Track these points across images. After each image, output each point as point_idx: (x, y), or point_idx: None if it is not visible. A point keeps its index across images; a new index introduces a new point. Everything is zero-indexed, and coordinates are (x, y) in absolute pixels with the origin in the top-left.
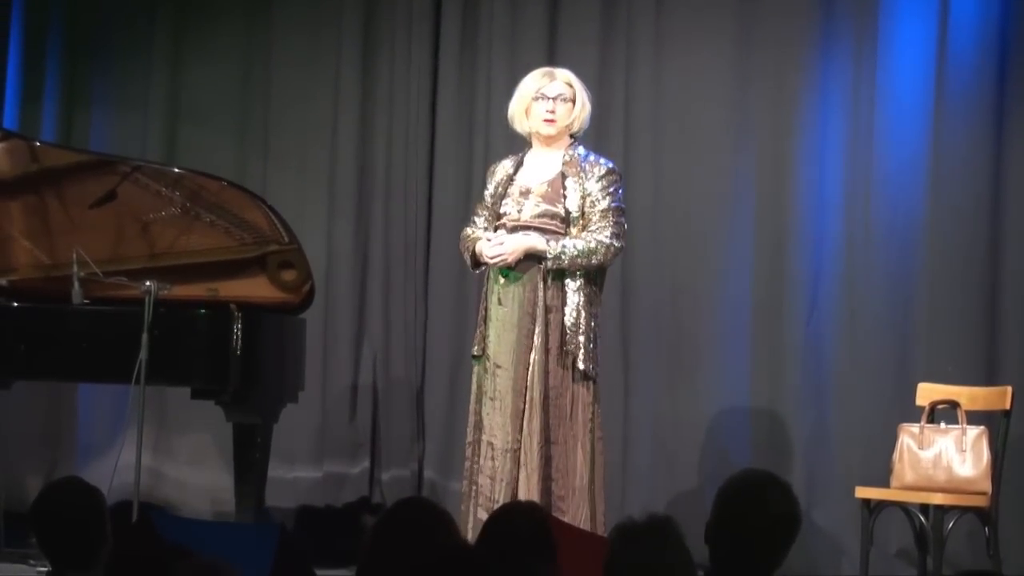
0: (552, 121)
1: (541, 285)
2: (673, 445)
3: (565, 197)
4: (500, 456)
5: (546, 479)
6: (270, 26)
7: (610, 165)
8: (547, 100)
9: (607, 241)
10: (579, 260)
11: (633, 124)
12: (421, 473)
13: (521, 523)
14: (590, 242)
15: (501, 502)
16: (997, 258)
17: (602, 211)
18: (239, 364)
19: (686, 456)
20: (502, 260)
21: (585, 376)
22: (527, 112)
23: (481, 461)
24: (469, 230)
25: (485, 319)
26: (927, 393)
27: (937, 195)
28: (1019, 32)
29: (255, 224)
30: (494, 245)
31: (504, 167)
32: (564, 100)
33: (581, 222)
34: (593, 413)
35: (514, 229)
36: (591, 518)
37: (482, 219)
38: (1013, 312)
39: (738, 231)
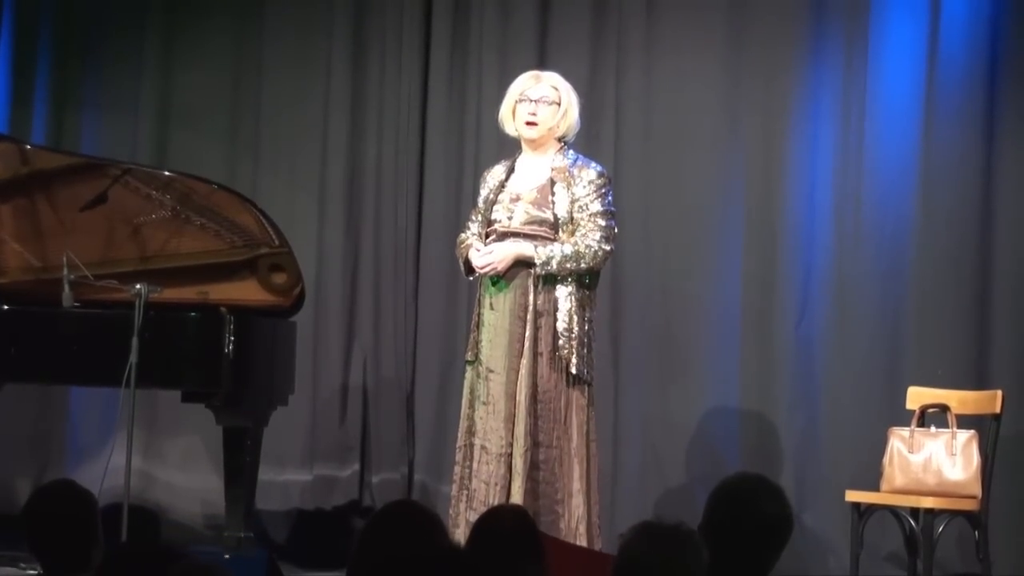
0: (534, 124)
1: (532, 290)
2: (663, 447)
3: (554, 203)
4: (494, 460)
5: (536, 482)
6: (260, 30)
7: (599, 169)
8: (530, 102)
9: (595, 245)
10: (567, 264)
11: (624, 127)
12: (411, 476)
13: (508, 525)
14: (578, 246)
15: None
16: (987, 261)
17: (591, 215)
18: (230, 367)
19: (676, 458)
20: (491, 269)
21: (579, 380)
22: (513, 114)
23: (475, 465)
24: (464, 235)
25: (478, 324)
26: (917, 397)
27: (927, 198)
28: (1010, 34)
29: (245, 227)
30: (483, 255)
31: (496, 173)
32: (547, 103)
33: (570, 227)
34: (588, 416)
35: (504, 235)
36: (586, 520)
37: (476, 225)
38: (1003, 316)
39: (728, 234)
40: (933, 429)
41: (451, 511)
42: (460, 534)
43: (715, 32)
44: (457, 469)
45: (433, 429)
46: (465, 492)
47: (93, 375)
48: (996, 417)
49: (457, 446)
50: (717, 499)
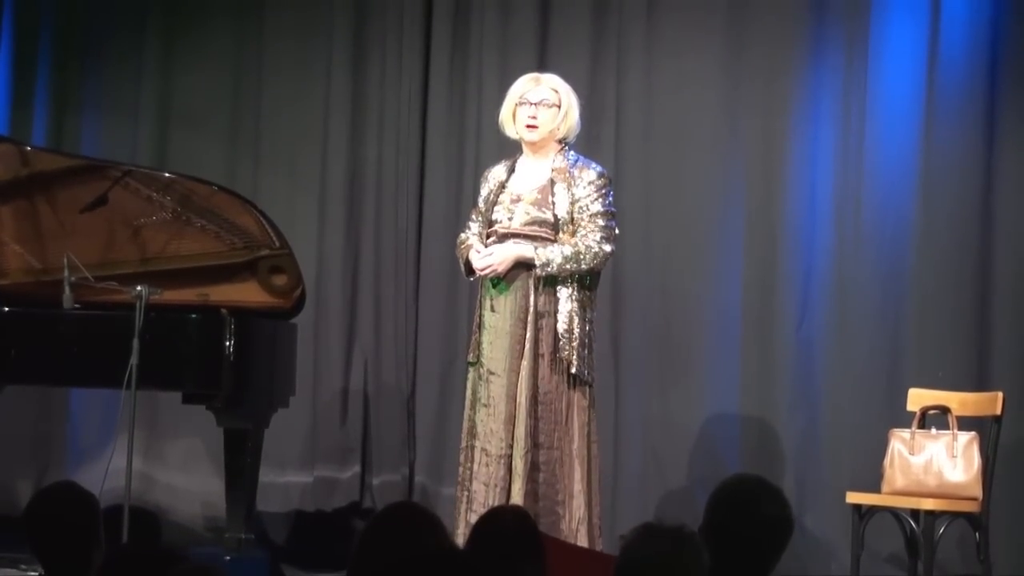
0: (534, 127)
1: (532, 292)
2: (664, 449)
3: (554, 204)
4: (494, 462)
5: (536, 483)
6: (261, 31)
7: (600, 170)
8: (530, 106)
9: (595, 246)
10: (568, 266)
11: (624, 129)
12: (412, 478)
13: (508, 525)
14: (578, 247)
15: None
16: (988, 263)
17: (591, 215)
18: (230, 369)
19: (677, 460)
20: (492, 271)
21: (580, 381)
22: (514, 117)
23: (475, 467)
24: (464, 236)
25: (479, 326)
26: (918, 398)
27: (928, 200)
28: (1011, 36)
29: (246, 229)
30: (483, 257)
31: (497, 173)
32: (548, 105)
33: (571, 227)
34: (589, 418)
35: (505, 236)
36: (587, 522)
37: (476, 224)
38: (1004, 317)
39: (729, 236)
40: (934, 431)
41: (454, 512)
42: (461, 536)
43: (715, 33)
44: (460, 471)
45: (434, 431)
46: (467, 494)
47: (94, 377)
48: (997, 419)
49: (460, 448)
50: (717, 501)
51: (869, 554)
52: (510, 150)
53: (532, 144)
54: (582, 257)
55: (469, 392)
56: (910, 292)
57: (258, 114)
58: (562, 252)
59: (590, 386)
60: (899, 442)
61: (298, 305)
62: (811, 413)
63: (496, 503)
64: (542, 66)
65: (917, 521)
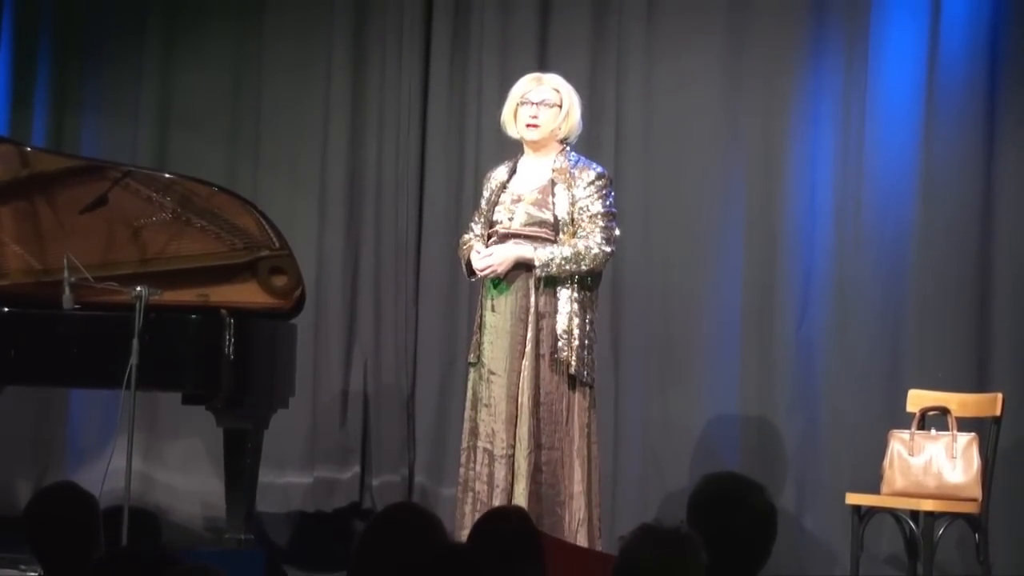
0: (535, 127)
1: (533, 292)
2: (663, 450)
3: (554, 204)
4: (496, 462)
5: (538, 484)
6: (261, 32)
7: (600, 170)
8: (531, 105)
9: (595, 247)
10: (568, 266)
11: (624, 129)
12: (412, 478)
13: (508, 526)
14: (578, 248)
15: None
16: (988, 264)
17: (591, 216)
18: (230, 369)
19: (676, 461)
20: (492, 271)
21: (580, 382)
22: (515, 117)
23: (477, 467)
24: (466, 236)
25: (480, 326)
26: (917, 399)
27: (928, 201)
28: (1010, 37)
29: (246, 229)
30: (483, 257)
31: (499, 174)
32: (549, 105)
33: (571, 228)
34: (589, 418)
35: (505, 237)
36: (587, 522)
37: (479, 226)
38: (1003, 318)
39: (729, 237)
40: (933, 432)
41: (456, 513)
42: (464, 536)
43: (715, 34)
44: (461, 471)
45: (433, 431)
46: (470, 495)
47: (93, 377)
48: (996, 420)
49: (461, 448)
50: (697, 502)
51: (868, 555)
52: (510, 150)
53: (533, 144)
54: (582, 258)
55: (470, 392)
56: (910, 293)
57: (258, 115)
58: (562, 253)
59: (590, 387)
60: (899, 443)
61: (298, 306)
62: (811, 414)
63: (499, 503)
64: (542, 66)
65: (916, 522)
